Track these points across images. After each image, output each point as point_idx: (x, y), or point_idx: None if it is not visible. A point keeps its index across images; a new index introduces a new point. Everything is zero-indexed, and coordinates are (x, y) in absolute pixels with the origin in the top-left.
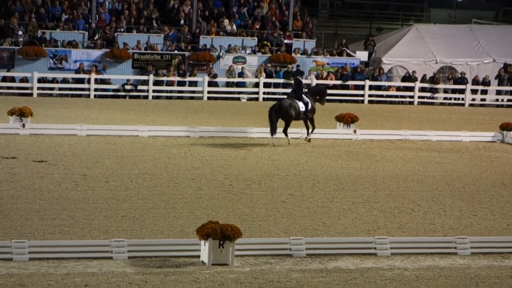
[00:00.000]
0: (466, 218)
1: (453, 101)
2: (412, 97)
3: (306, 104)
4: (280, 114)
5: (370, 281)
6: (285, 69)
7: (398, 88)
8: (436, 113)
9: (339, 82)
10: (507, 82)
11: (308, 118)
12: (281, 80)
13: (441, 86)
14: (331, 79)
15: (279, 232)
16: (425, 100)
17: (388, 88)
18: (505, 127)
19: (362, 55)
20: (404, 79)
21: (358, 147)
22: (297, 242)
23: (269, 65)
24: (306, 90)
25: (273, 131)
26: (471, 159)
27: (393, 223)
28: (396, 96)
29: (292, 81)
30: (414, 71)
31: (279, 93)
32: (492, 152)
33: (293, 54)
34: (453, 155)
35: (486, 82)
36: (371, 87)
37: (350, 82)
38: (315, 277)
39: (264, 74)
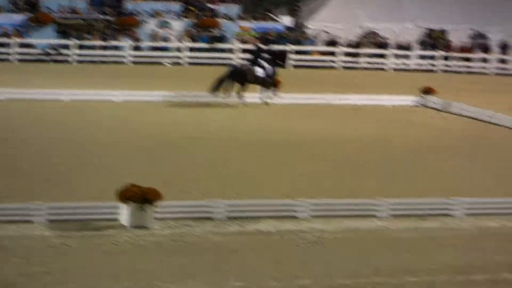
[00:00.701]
0: (385, 181)
1: (376, 65)
2: (335, 61)
3: (263, 68)
4: (236, 76)
5: (289, 243)
6: (209, 34)
7: (322, 53)
8: (359, 78)
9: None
10: (429, 46)
11: (267, 82)
12: (205, 45)
13: (364, 50)
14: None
15: (200, 195)
16: (348, 64)
17: (311, 52)
18: (427, 91)
19: (286, 20)
20: (328, 44)
21: (280, 110)
22: (217, 204)
23: (193, 29)
24: (265, 55)
25: (215, 88)
26: (393, 123)
27: (313, 186)
28: (320, 61)
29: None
30: (337, 36)
31: (203, 58)
32: (414, 116)
33: (218, 19)
34: (374, 120)
35: (408, 47)
36: (295, 52)
37: (274, 47)
38: (235, 240)
39: (188, 39)
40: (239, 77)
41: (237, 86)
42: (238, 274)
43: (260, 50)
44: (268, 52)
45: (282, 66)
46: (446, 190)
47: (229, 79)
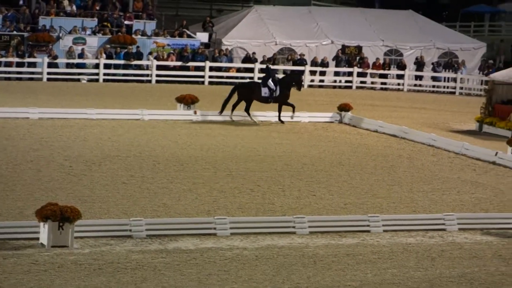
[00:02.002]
0: (304, 198)
1: None
2: (252, 78)
3: (270, 90)
4: (242, 93)
5: (210, 261)
6: (125, 50)
7: (238, 69)
8: None
9: (179, 63)
10: (345, 63)
11: (277, 103)
12: (122, 61)
13: (280, 67)
14: (171, 60)
15: (119, 214)
16: None
17: (228, 69)
18: (342, 107)
19: (202, 37)
20: (244, 60)
21: (198, 128)
22: (137, 223)
23: (109, 46)
24: (279, 77)
25: (222, 107)
26: (309, 139)
27: (233, 203)
28: (236, 77)
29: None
30: (254, 53)
31: (119, 74)
32: (330, 133)
33: (133, 35)
34: (292, 136)
35: (324, 64)
36: (211, 68)
37: (190, 64)
38: (155, 258)
39: (104, 55)
40: (244, 94)
41: (243, 103)
42: None
43: (270, 70)
44: (288, 75)
45: (298, 89)
46: (363, 207)
47: (236, 96)
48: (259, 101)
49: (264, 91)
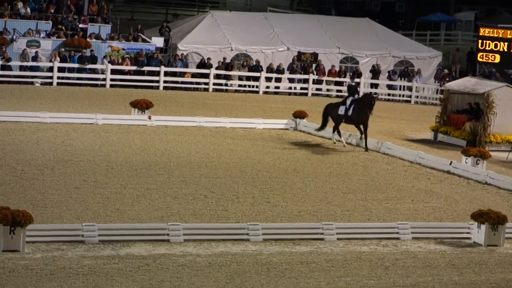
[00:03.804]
0: (259, 205)
1: (247, 88)
2: (207, 83)
3: (346, 109)
4: (325, 113)
5: (163, 267)
6: (80, 53)
7: (194, 75)
8: (231, 100)
9: (134, 67)
10: (300, 70)
11: (352, 123)
12: (76, 65)
13: (235, 73)
14: (126, 65)
15: (72, 218)
16: (220, 87)
17: (183, 74)
18: (297, 114)
19: (157, 41)
20: (199, 65)
21: (152, 133)
22: (90, 228)
23: (63, 49)
24: (357, 97)
25: (321, 127)
26: (264, 146)
27: (186, 209)
28: (191, 83)
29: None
30: (209, 58)
31: (73, 78)
32: (285, 140)
33: (88, 39)
34: (246, 142)
35: (280, 70)
36: (166, 73)
37: (145, 68)
38: (107, 264)
39: (58, 59)
40: (324, 115)
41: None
42: None
43: (352, 88)
44: (363, 96)
45: (369, 112)
46: (317, 214)
47: (323, 116)
48: (338, 120)
49: (341, 109)
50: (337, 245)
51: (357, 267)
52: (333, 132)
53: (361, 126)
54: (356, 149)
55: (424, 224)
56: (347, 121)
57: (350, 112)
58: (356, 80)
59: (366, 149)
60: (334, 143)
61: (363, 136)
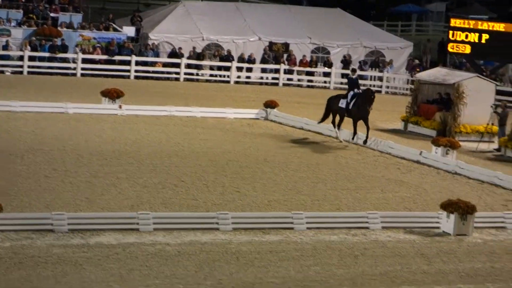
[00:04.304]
0: (228, 194)
1: (218, 78)
2: (178, 73)
3: (347, 103)
4: (327, 106)
5: (132, 256)
6: (51, 42)
7: (165, 64)
8: (202, 90)
9: (105, 57)
10: (272, 60)
11: (350, 117)
12: (47, 54)
13: (207, 62)
14: (97, 54)
15: (41, 207)
16: (191, 76)
17: (154, 64)
18: (268, 104)
19: (129, 31)
20: (170, 55)
21: (123, 122)
22: (59, 217)
23: (34, 38)
24: (359, 91)
25: (321, 120)
26: (235, 135)
27: (156, 198)
28: (163, 72)
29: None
30: (180, 48)
31: (44, 67)
32: (256, 129)
33: (59, 28)
34: (217, 132)
35: (251, 60)
36: (137, 63)
37: (116, 57)
38: (76, 252)
39: (29, 48)
40: (327, 107)
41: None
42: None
43: (352, 81)
44: (364, 91)
45: (368, 107)
46: (287, 204)
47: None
48: (339, 113)
49: (342, 102)
50: (307, 234)
51: (326, 256)
52: (338, 128)
53: (358, 122)
54: (328, 139)
55: (394, 213)
56: (347, 115)
57: (351, 106)
58: (328, 70)
59: (365, 142)
60: (341, 141)
61: (367, 134)
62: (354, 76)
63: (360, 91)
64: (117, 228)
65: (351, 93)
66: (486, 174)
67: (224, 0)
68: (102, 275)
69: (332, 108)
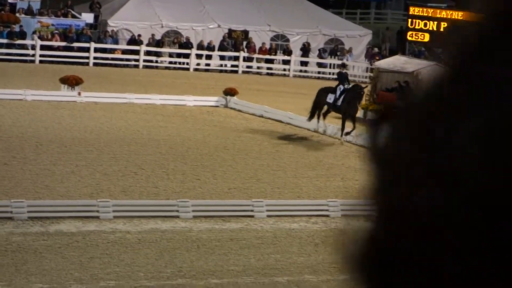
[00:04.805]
0: (189, 182)
1: (178, 65)
2: (137, 60)
3: (335, 98)
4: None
5: (92, 244)
6: (9, 29)
7: (124, 51)
8: (161, 77)
9: (63, 43)
10: (231, 47)
11: (339, 113)
12: (5, 40)
13: (166, 50)
14: (56, 41)
15: (0, 195)
16: (150, 64)
17: (113, 51)
18: (228, 92)
19: (87, 17)
20: (129, 42)
21: (82, 109)
22: (19, 204)
23: None
24: (348, 86)
25: (311, 116)
26: (194, 123)
27: (116, 186)
28: (122, 59)
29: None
30: (139, 35)
31: (2, 54)
32: (216, 117)
33: (17, 14)
34: (177, 119)
35: (210, 47)
36: (96, 50)
37: (75, 44)
38: (36, 240)
39: None
40: (315, 99)
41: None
42: (39, 276)
43: (342, 76)
44: (353, 87)
45: (358, 103)
46: (247, 191)
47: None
48: (327, 107)
49: (329, 97)
50: (267, 222)
51: (287, 244)
52: (317, 118)
53: (346, 118)
54: (287, 127)
55: (354, 201)
56: (335, 111)
57: (339, 103)
58: (287, 58)
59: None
60: (316, 131)
61: (352, 130)
62: (344, 71)
63: (349, 86)
64: (77, 216)
65: (340, 87)
66: None
67: None
68: (62, 263)
69: (320, 102)
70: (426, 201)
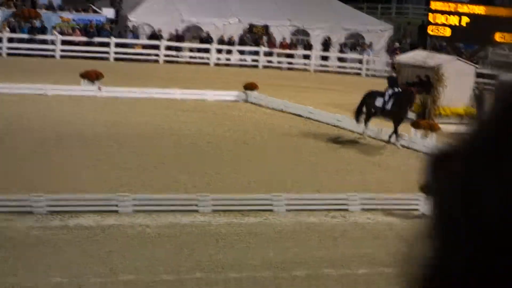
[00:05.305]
0: (208, 176)
1: (198, 60)
2: (158, 55)
3: (384, 102)
4: (362, 102)
5: (112, 238)
6: (30, 24)
7: (144, 46)
8: (182, 72)
9: (84, 38)
10: (252, 42)
11: (387, 117)
12: (26, 36)
13: (186, 44)
14: (76, 36)
15: (20, 189)
16: (171, 58)
17: (134, 46)
18: (248, 86)
19: (108, 12)
20: (150, 37)
21: (103, 104)
22: (38, 199)
23: (13, 19)
24: (398, 90)
25: (356, 118)
26: (214, 118)
27: (136, 180)
28: (142, 54)
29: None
30: (160, 30)
31: (23, 49)
32: (236, 111)
33: (38, 9)
34: (197, 114)
35: (231, 42)
36: (117, 45)
37: (95, 39)
38: (55, 234)
39: (8, 29)
40: (361, 103)
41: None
42: (60, 270)
43: (392, 79)
44: (403, 91)
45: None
46: (266, 186)
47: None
48: (374, 113)
49: (378, 101)
50: (286, 216)
51: (305, 238)
52: (365, 124)
53: (397, 122)
54: (307, 121)
55: (373, 195)
56: (383, 115)
57: (388, 106)
58: (307, 52)
59: (389, 140)
60: (361, 134)
61: (394, 132)
62: (395, 75)
63: (399, 90)
64: (96, 210)
65: (389, 91)
66: None
67: None
68: (81, 257)
69: (367, 106)
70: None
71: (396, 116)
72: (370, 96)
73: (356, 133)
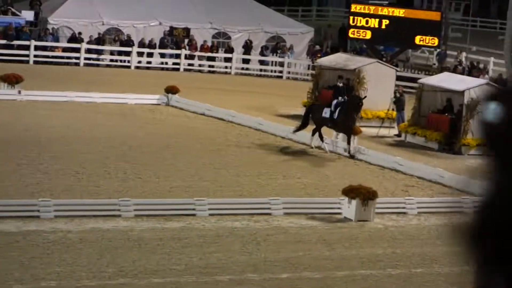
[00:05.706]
0: (130, 181)
1: (119, 63)
2: (78, 58)
3: (331, 112)
4: (306, 114)
5: (33, 244)
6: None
7: (65, 49)
8: (102, 75)
9: (3, 41)
10: (172, 45)
11: (335, 129)
12: None
13: (107, 47)
14: None
15: None
16: (91, 61)
17: (54, 48)
18: (169, 90)
19: (28, 15)
20: (70, 40)
21: (22, 108)
22: None
23: None
24: (343, 99)
25: (299, 128)
26: (136, 121)
27: (57, 185)
28: (62, 57)
29: None
30: (80, 32)
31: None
32: (157, 115)
33: None
34: (118, 117)
35: (152, 45)
36: (36, 47)
37: (15, 42)
38: None
39: None
40: (306, 115)
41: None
42: None
43: (338, 89)
44: (350, 98)
45: (356, 115)
46: (189, 190)
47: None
48: (321, 123)
49: (325, 111)
50: (209, 220)
51: (229, 242)
52: (312, 135)
53: (344, 131)
54: (229, 125)
55: (296, 199)
56: (331, 126)
57: (336, 116)
58: (228, 55)
59: (350, 155)
60: (312, 148)
61: (349, 143)
62: (341, 84)
63: (345, 99)
64: (17, 216)
65: (335, 101)
66: (387, 159)
67: None
68: (2, 263)
69: (313, 118)
70: None
71: (345, 124)
72: (315, 110)
73: (279, 136)
